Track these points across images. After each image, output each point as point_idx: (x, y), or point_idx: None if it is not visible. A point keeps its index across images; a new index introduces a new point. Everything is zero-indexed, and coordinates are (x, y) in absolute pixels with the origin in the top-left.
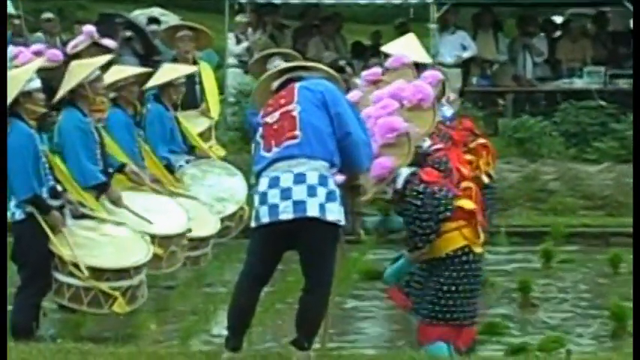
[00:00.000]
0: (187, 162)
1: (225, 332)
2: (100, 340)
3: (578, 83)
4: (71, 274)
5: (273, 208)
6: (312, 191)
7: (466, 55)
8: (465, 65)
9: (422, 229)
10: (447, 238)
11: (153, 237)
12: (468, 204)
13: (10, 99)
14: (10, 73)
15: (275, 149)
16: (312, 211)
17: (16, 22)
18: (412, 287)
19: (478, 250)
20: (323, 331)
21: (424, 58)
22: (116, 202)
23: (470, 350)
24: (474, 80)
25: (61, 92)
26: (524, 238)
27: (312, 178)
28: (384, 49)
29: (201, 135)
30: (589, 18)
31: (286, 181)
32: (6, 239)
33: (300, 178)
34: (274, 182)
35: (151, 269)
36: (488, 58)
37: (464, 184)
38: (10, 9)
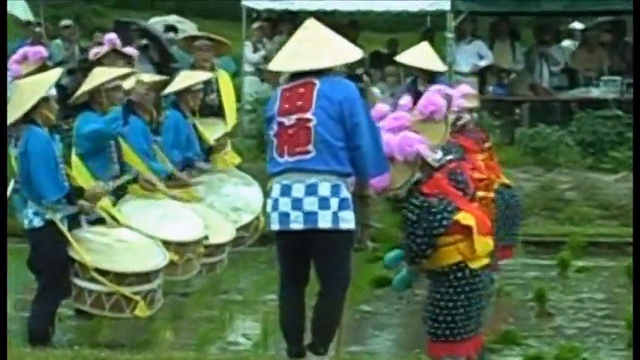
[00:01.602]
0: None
1: (241, 339)
2: (116, 346)
3: (595, 92)
4: (93, 280)
5: (284, 217)
6: (324, 203)
7: (483, 63)
8: (482, 74)
9: (416, 245)
10: (443, 252)
11: (169, 243)
12: (466, 219)
13: (33, 102)
14: (32, 78)
15: (287, 157)
16: (324, 222)
17: (37, 29)
18: None
19: (475, 265)
20: (338, 337)
21: (438, 66)
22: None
23: (481, 358)
24: (491, 89)
25: (79, 92)
26: (541, 247)
27: (325, 190)
28: (399, 59)
29: (216, 142)
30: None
31: (298, 191)
32: (6, 239)
33: (311, 190)
34: (285, 190)
35: (166, 275)
36: (504, 67)
37: (480, 193)
38: (30, 16)
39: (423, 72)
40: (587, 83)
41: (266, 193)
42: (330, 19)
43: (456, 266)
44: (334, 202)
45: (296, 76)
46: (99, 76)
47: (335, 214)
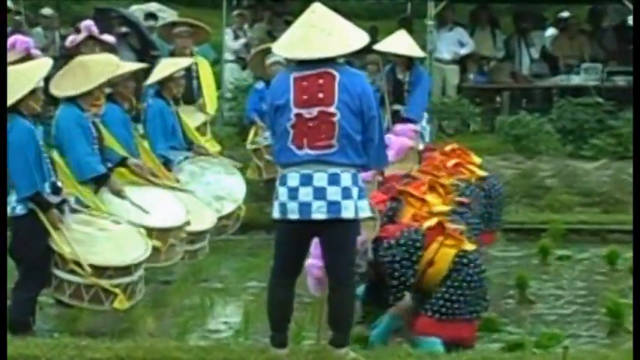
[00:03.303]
0: (186, 158)
1: (222, 327)
2: (96, 334)
3: (576, 80)
4: (72, 272)
5: (305, 206)
6: (347, 193)
7: (463, 51)
8: (462, 62)
9: (397, 280)
10: (439, 258)
11: (151, 230)
12: (430, 221)
13: (21, 94)
14: (20, 68)
15: (307, 150)
16: (348, 212)
17: (17, 18)
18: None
19: (469, 247)
20: (318, 325)
21: (416, 52)
22: (118, 193)
23: (468, 346)
24: (471, 77)
25: (90, 86)
26: (521, 235)
27: (347, 180)
28: (377, 47)
29: (196, 130)
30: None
31: (320, 180)
32: (6, 235)
33: (334, 179)
34: (306, 180)
35: (149, 262)
36: (485, 55)
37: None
38: (10, 4)
39: (401, 59)
40: (567, 71)
41: (247, 182)
42: (310, 6)
43: (457, 257)
44: (355, 192)
45: (304, 63)
46: (100, 70)
47: (356, 204)
